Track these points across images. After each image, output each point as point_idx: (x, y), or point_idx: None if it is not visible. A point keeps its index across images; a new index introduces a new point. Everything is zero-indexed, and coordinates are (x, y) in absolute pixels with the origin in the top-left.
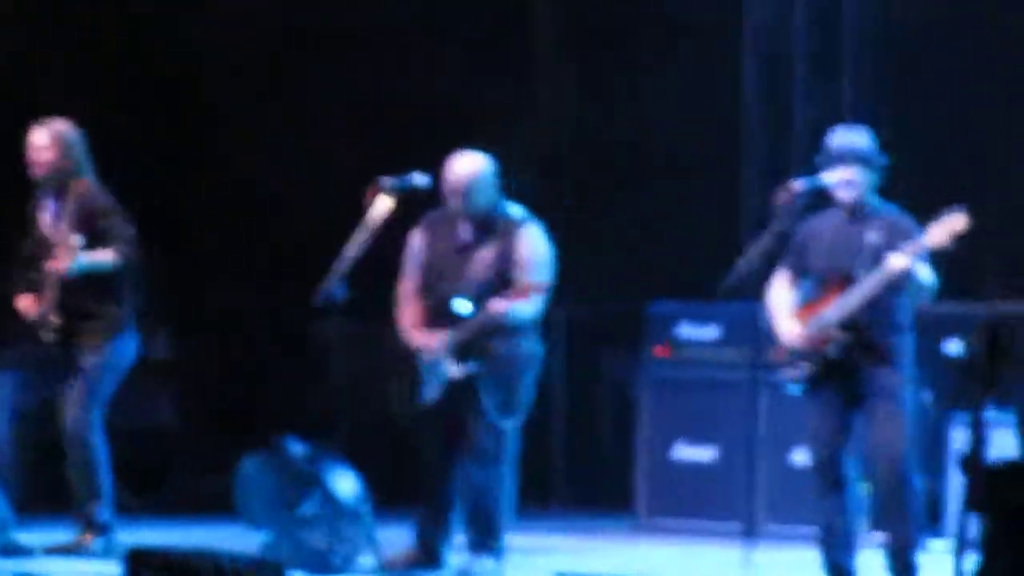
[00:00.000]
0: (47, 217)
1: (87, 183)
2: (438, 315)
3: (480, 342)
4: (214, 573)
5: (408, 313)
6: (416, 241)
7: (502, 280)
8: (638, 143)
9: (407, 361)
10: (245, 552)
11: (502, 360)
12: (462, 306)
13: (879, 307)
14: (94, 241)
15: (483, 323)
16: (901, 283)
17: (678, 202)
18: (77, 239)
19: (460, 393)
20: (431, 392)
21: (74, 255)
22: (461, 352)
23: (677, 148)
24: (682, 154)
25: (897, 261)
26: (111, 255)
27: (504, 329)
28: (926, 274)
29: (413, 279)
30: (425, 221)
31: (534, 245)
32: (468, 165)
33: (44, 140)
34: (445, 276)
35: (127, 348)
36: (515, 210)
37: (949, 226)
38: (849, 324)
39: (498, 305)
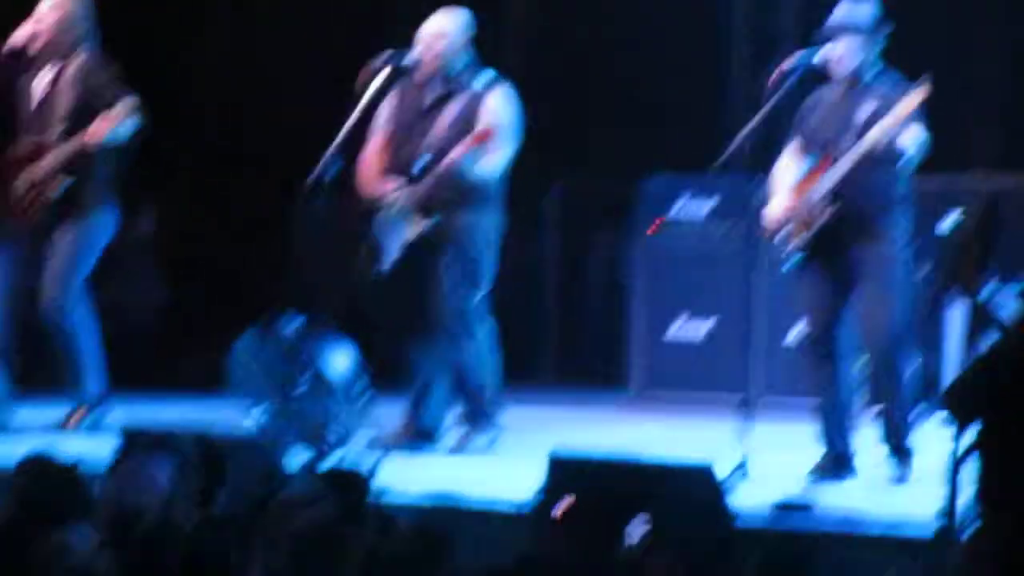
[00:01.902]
0: (41, 83)
1: (88, 54)
2: (401, 175)
3: (439, 202)
4: (207, 450)
5: (369, 173)
6: (386, 104)
7: (463, 139)
8: (632, 24)
9: (369, 224)
10: (238, 429)
11: (461, 233)
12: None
13: (865, 181)
14: (96, 113)
15: (440, 176)
16: (884, 157)
17: (672, 79)
18: (129, 101)
19: (420, 260)
20: (390, 255)
21: (117, 123)
22: (420, 209)
23: (669, 27)
24: (674, 33)
25: (873, 134)
26: (128, 124)
27: (462, 188)
28: (911, 138)
29: (379, 137)
30: (397, 86)
31: (499, 106)
32: (442, 21)
33: (47, 7)
34: (410, 136)
35: (106, 224)
36: (487, 74)
37: (913, 99)
38: (834, 198)
39: (453, 154)
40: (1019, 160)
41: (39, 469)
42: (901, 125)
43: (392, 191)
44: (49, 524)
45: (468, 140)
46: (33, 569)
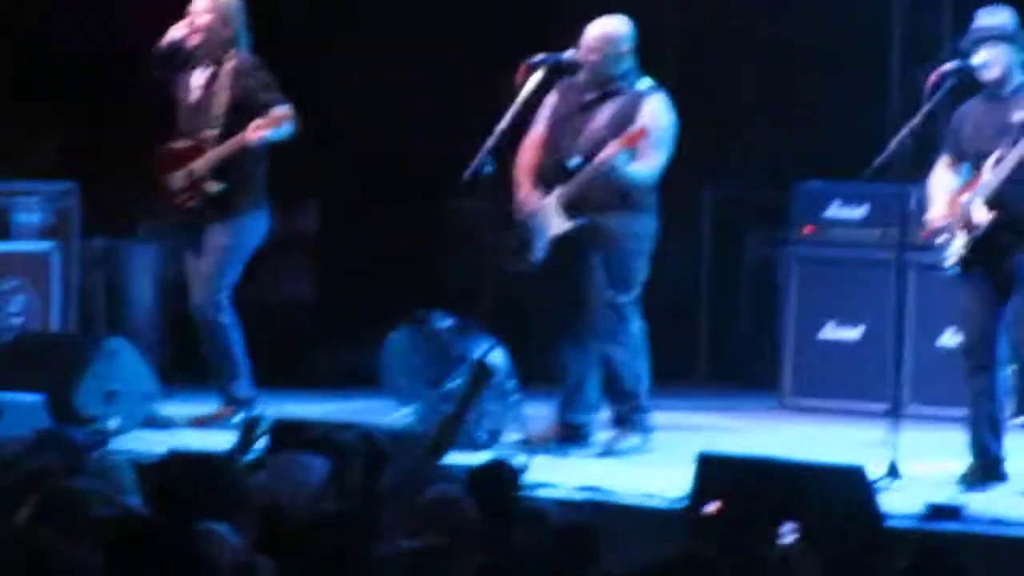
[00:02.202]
0: (199, 82)
1: (244, 55)
2: (555, 172)
3: (592, 201)
4: (360, 444)
5: (523, 166)
6: (549, 100)
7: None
8: (786, 28)
9: (520, 220)
10: (390, 425)
11: (613, 234)
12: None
13: (1022, 187)
14: (251, 114)
15: (592, 174)
16: None
17: (826, 83)
18: (285, 109)
19: (571, 259)
20: (539, 251)
21: (276, 124)
22: (569, 207)
23: (824, 31)
24: (829, 36)
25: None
26: (286, 125)
27: (615, 190)
28: None
29: (537, 134)
30: (559, 85)
31: (656, 111)
32: (608, 25)
33: (205, 4)
34: (566, 133)
35: (258, 227)
36: (645, 81)
37: None
38: (994, 203)
39: (606, 151)
40: None
41: (189, 463)
42: None
43: (541, 201)
44: (199, 518)
45: (621, 139)
46: (180, 563)
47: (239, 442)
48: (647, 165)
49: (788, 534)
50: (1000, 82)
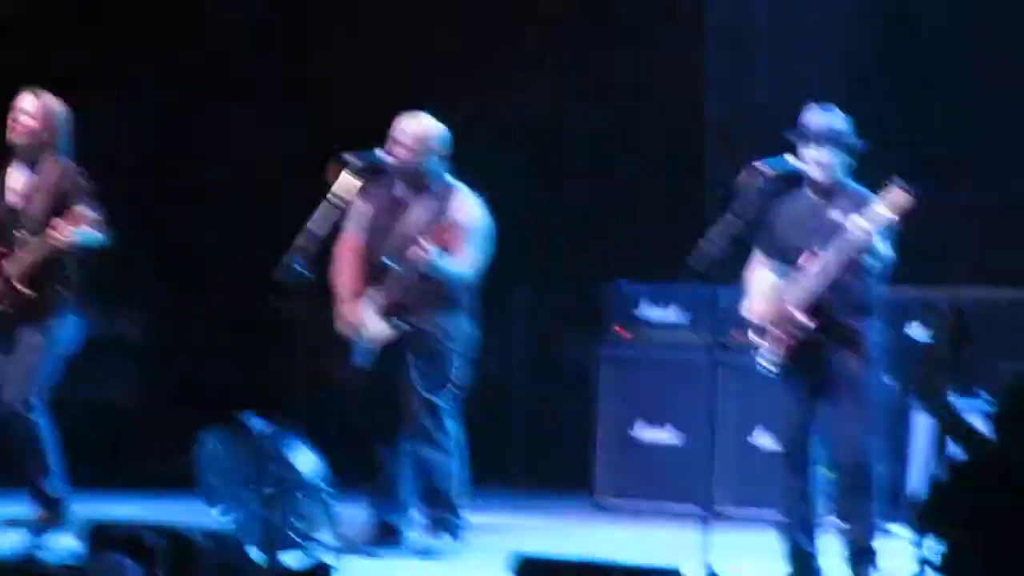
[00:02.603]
0: (17, 183)
1: (64, 161)
2: (375, 274)
3: (411, 303)
4: (175, 547)
5: (340, 273)
6: (356, 202)
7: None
8: (599, 123)
9: (339, 324)
10: (204, 527)
11: (431, 336)
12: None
13: (842, 289)
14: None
15: (408, 270)
16: (861, 256)
17: (640, 183)
18: (91, 210)
19: (390, 360)
20: (362, 358)
21: (86, 225)
22: (391, 310)
23: (638, 129)
24: (643, 135)
25: (858, 223)
26: (101, 234)
27: (434, 290)
28: (882, 248)
29: (349, 237)
30: (367, 184)
31: (470, 208)
32: (422, 122)
33: (32, 107)
34: (381, 233)
35: (73, 330)
36: (453, 178)
37: (897, 201)
38: (813, 307)
39: (418, 252)
40: (990, 274)
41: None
42: (877, 229)
43: (357, 315)
44: None
45: (436, 234)
46: None
47: None
48: (463, 261)
49: None
50: (827, 183)
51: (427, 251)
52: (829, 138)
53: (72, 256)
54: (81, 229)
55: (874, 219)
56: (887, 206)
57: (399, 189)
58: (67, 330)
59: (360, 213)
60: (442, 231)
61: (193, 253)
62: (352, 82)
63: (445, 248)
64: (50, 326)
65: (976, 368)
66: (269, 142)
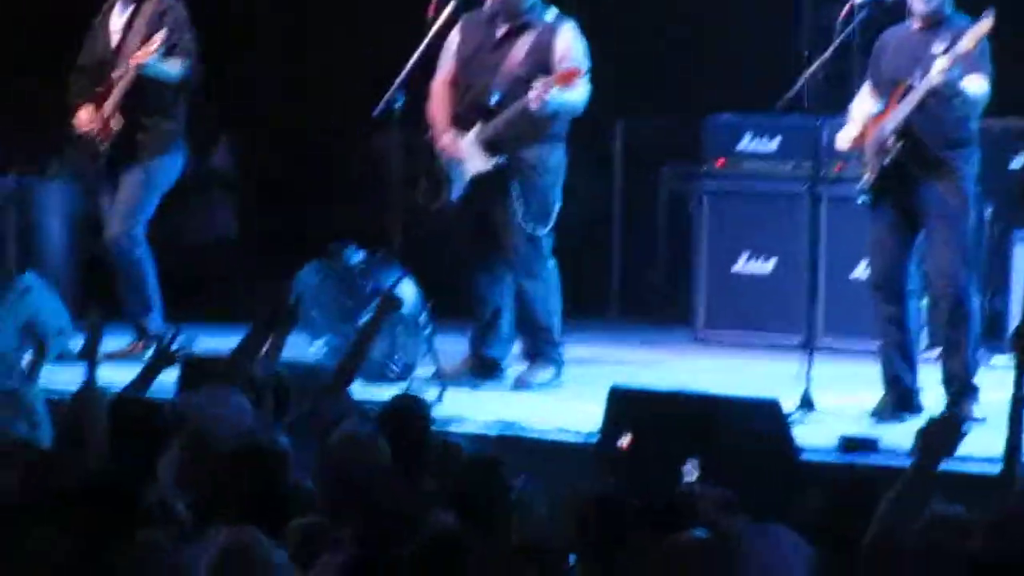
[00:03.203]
0: (118, 24)
1: None
2: (471, 110)
3: (511, 137)
4: (269, 379)
5: (438, 107)
6: (453, 37)
7: (535, 74)
8: None
9: (436, 158)
10: (303, 359)
11: (531, 168)
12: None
13: (933, 119)
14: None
15: (516, 114)
16: (947, 93)
17: (738, 15)
18: (162, 35)
19: (489, 194)
20: (457, 190)
21: (154, 52)
22: (489, 146)
23: None
24: None
25: (936, 67)
26: (179, 67)
27: (536, 129)
28: (975, 86)
29: (446, 73)
30: (463, 20)
31: (571, 39)
32: None
33: None
34: (480, 71)
35: (174, 165)
36: (553, 11)
37: (977, 31)
38: (902, 134)
39: (538, 92)
40: None
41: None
42: (964, 66)
43: (459, 144)
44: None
45: (555, 77)
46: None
47: (141, 375)
48: (578, 94)
49: (690, 472)
50: (932, 12)
51: (545, 96)
52: None
53: (171, 90)
54: (156, 55)
55: (956, 56)
56: (970, 39)
57: (499, 27)
58: (168, 165)
59: (456, 49)
60: (564, 76)
61: (294, 87)
62: None
63: (565, 86)
64: (151, 161)
65: None
66: None
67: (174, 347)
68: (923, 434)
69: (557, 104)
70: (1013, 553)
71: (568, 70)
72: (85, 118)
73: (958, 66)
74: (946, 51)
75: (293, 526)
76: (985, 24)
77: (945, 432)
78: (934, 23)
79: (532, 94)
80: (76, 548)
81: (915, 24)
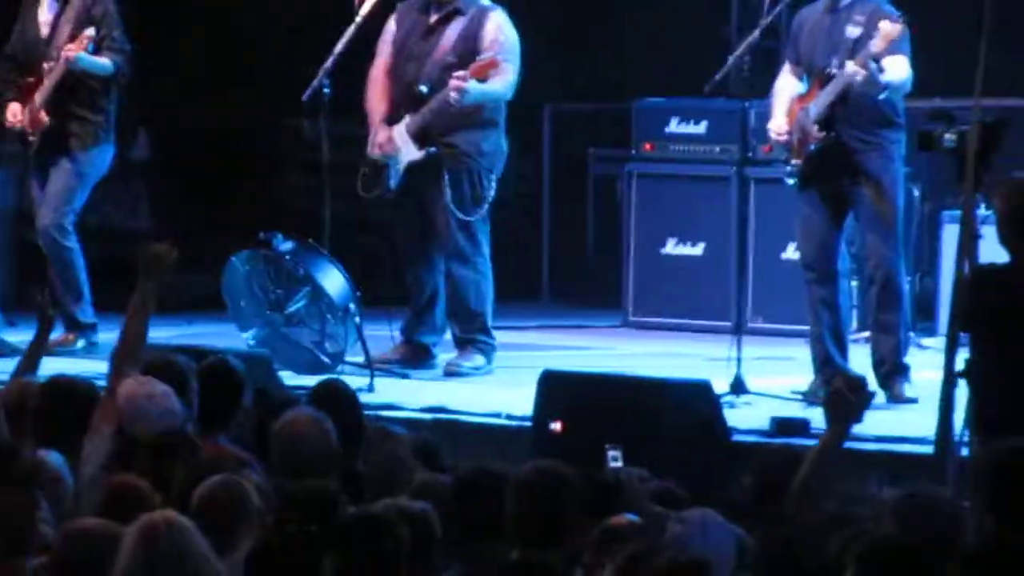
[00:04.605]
0: (47, 16)
1: None
2: (404, 98)
3: (440, 126)
4: (202, 367)
5: (374, 96)
6: (389, 26)
7: (465, 61)
8: None
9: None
10: (235, 349)
11: (464, 155)
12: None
13: (856, 104)
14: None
15: (439, 105)
16: (870, 91)
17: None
18: (92, 31)
19: (423, 182)
20: (394, 178)
21: (85, 46)
22: (420, 136)
23: None
24: None
25: (850, 68)
26: (110, 61)
27: (466, 115)
28: (896, 72)
29: (382, 60)
30: (399, 7)
31: (501, 26)
32: None
33: None
34: (412, 59)
35: (103, 158)
36: None
37: (887, 34)
38: (826, 121)
39: (455, 83)
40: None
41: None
42: (880, 57)
43: (391, 138)
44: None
45: (472, 69)
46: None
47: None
48: (501, 83)
49: (615, 458)
50: None
51: (463, 86)
52: None
53: (101, 83)
54: (84, 52)
55: (869, 55)
56: (881, 41)
57: (431, 14)
58: (97, 158)
59: (390, 38)
60: (480, 67)
61: (216, 76)
62: None
63: (482, 77)
64: (81, 154)
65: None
66: None
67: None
68: (830, 402)
69: (477, 95)
70: (919, 535)
71: (484, 62)
72: (14, 110)
73: (879, 56)
74: (858, 40)
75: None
76: (895, 29)
77: (853, 397)
78: (845, 3)
79: (451, 85)
80: None
81: (823, 9)
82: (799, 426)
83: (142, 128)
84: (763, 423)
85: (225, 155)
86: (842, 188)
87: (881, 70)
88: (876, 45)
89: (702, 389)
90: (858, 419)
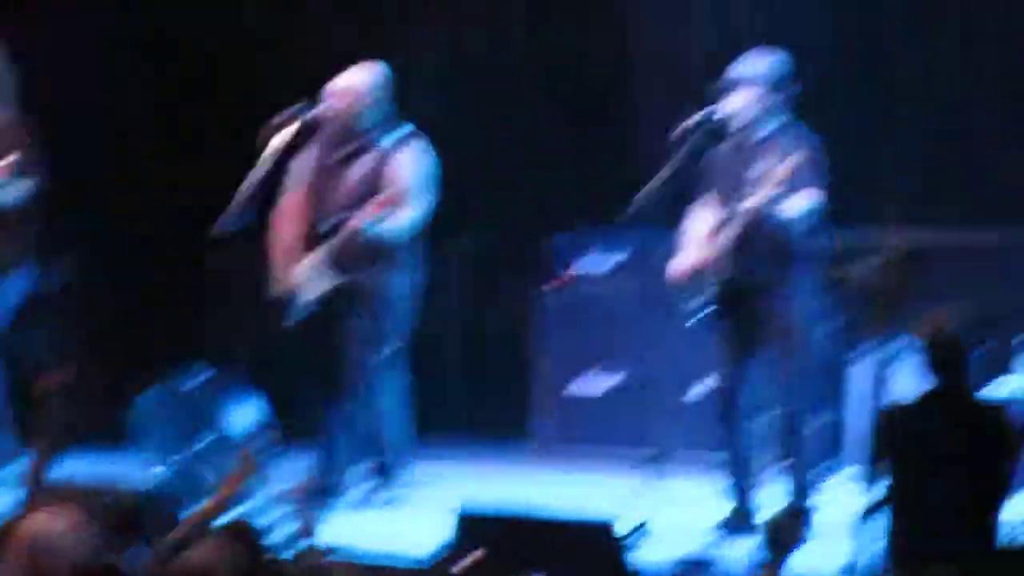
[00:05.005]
0: None
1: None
2: (313, 232)
3: (348, 261)
4: (118, 505)
5: (282, 229)
6: (295, 166)
7: (368, 199)
8: (537, 74)
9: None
10: (138, 484)
11: (371, 290)
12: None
13: (762, 241)
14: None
15: (344, 240)
16: (771, 220)
17: (577, 133)
18: (15, 159)
19: (329, 320)
20: (301, 312)
21: (11, 173)
22: (330, 267)
23: (574, 79)
24: (580, 85)
25: (752, 202)
26: (18, 190)
27: (372, 247)
28: (796, 206)
29: (290, 197)
30: (306, 148)
31: (411, 160)
32: (354, 77)
33: None
34: (322, 193)
35: (15, 289)
36: (402, 130)
37: (790, 164)
38: (735, 256)
39: (353, 222)
40: (935, 215)
41: None
42: (784, 190)
43: (291, 278)
44: None
45: (372, 205)
46: None
47: None
48: (400, 221)
49: None
50: (746, 129)
51: (359, 225)
52: (744, 81)
53: (13, 212)
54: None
55: (772, 185)
56: (784, 171)
57: (338, 150)
58: (9, 289)
59: (298, 174)
60: (379, 204)
61: (128, 208)
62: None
63: (383, 214)
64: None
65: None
66: (205, 96)
67: None
68: (770, 527)
69: (375, 231)
70: None
71: (384, 198)
72: None
73: (778, 194)
74: (764, 176)
75: None
76: (796, 159)
77: (792, 524)
78: (754, 142)
79: (349, 224)
80: None
81: (733, 144)
82: (704, 565)
83: (60, 256)
84: (669, 561)
85: (142, 282)
86: (753, 323)
87: (782, 205)
88: (779, 174)
89: (604, 529)
90: (797, 545)
